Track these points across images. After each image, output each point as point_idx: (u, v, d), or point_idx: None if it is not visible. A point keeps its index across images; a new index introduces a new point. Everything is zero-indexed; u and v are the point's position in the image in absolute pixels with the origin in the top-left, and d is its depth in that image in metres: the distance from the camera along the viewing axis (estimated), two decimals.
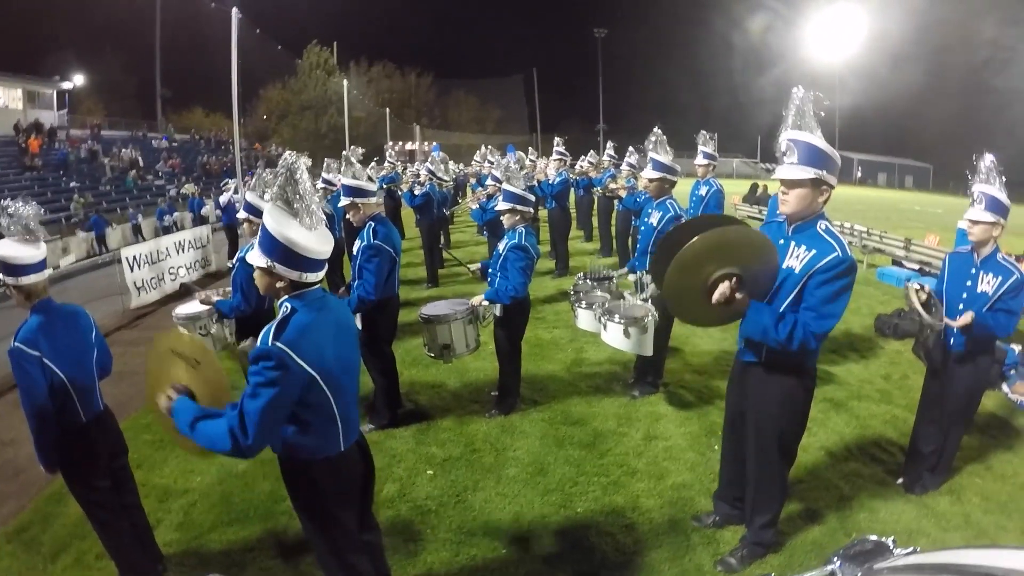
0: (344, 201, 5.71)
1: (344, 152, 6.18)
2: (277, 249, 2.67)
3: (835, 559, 1.65)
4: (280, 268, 2.70)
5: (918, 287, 4.51)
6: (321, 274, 2.84)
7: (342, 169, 5.82)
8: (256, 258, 2.73)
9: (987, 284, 4.36)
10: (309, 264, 2.74)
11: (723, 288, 3.23)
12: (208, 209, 25.76)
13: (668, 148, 6.42)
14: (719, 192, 8.22)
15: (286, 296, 2.79)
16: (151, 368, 3.18)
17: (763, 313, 3.36)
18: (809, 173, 3.33)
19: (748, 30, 66.54)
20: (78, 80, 50.86)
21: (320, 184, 11.39)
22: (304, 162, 2.89)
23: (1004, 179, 4.35)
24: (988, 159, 4.39)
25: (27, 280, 3.49)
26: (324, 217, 2.87)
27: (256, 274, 2.82)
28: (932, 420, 4.81)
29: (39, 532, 4.62)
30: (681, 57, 78.81)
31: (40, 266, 3.55)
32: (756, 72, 62.42)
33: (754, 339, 3.51)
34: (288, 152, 2.87)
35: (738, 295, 3.26)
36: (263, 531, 4.52)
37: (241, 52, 23.07)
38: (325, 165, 12.46)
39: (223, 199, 16.42)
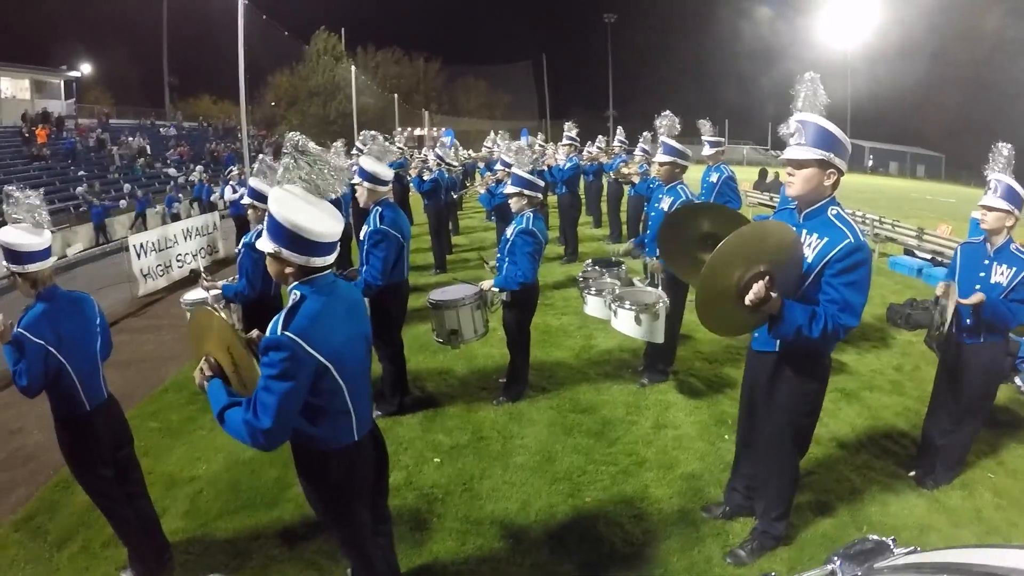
0: (356, 180, 5.65)
1: (372, 132, 6.11)
2: (284, 234, 2.62)
3: (835, 559, 1.65)
4: (287, 253, 2.64)
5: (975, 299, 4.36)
6: (331, 258, 2.77)
7: (367, 148, 5.74)
8: (265, 244, 2.68)
9: (1001, 275, 4.29)
10: (317, 248, 2.67)
11: (757, 288, 3.07)
12: (216, 196, 25.80)
13: (676, 129, 6.38)
14: (730, 178, 8.16)
15: (295, 282, 2.73)
16: (191, 332, 3.18)
17: (795, 311, 3.24)
18: (816, 154, 3.26)
19: (759, 18, 66.13)
20: (85, 69, 51.20)
21: (344, 160, 11.31)
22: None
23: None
24: (1007, 148, 4.31)
25: (33, 268, 3.48)
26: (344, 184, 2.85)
27: (267, 261, 2.77)
28: (945, 412, 4.75)
29: (46, 520, 4.61)
30: (691, 43, 78.62)
31: (45, 254, 3.53)
32: (766, 59, 61.99)
33: (788, 338, 3.39)
34: (291, 133, 2.82)
35: (773, 294, 3.12)
36: (269, 519, 4.50)
37: (248, 39, 23.07)
38: (333, 149, 12.39)
39: (227, 192, 16.36)
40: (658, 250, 3.81)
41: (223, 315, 2.95)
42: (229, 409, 2.66)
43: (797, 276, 3.34)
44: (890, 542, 1.65)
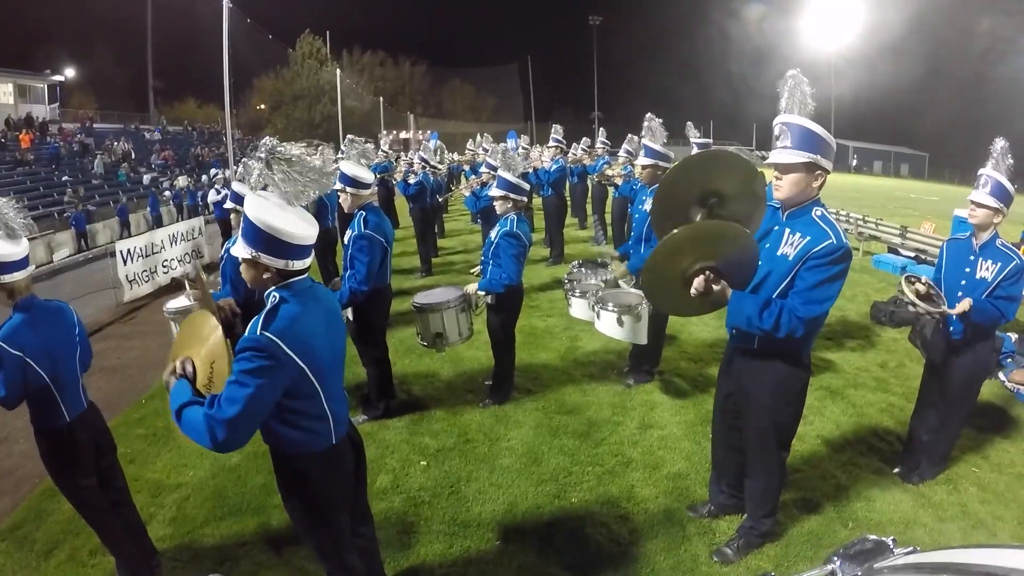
0: (338, 186, 5.64)
1: (350, 136, 6.10)
2: (261, 238, 2.61)
3: (835, 558, 1.65)
4: (265, 258, 2.63)
5: (914, 279, 4.46)
6: (308, 261, 2.77)
7: (348, 153, 5.74)
8: (240, 250, 2.66)
9: (986, 270, 4.32)
10: (294, 251, 2.67)
11: (698, 281, 3.17)
12: (201, 199, 25.71)
13: (663, 132, 6.38)
14: None
15: (274, 287, 2.72)
16: (184, 327, 3.13)
17: (745, 302, 3.30)
18: (803, 157, 3.25)
19: (744, 18, 66.42)
20: (69, 73, 50.78)
21: (321, 158, 11.26)
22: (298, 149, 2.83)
23: (1011, 164, 4.31)
24: (1000, 144, 4.33)
25: (8, 278, 3.40)
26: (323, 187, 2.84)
27: (242, 268, 2.75)
28: (931, 409, 4.78)
29: (32, 530, 4.58)
30: (677, 45, 78.99)
31: (22, 263, 3.45)
32: (752, 61, 62.27)
33: (740, 328, 3.46)
34: (266, 139, 2.80)
35: (715, 287, 3.20)
36: (256, 525, 4.48)
37: (233, 42, 22.98)
38: (319, 151, 12.38)
39: (212, 196, 16.28)
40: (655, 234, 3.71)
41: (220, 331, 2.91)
42: (188, 407, 2.60)
43: (750, 274, 3.37)
44: (890, 542, 1.65)
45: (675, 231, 3.09)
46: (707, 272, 3.18)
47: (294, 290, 2.72)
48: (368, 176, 5.68)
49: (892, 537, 1.67)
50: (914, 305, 4.41)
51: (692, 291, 3.20)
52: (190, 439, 2.61)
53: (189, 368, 2.81)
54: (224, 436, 2.48)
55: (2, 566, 4.23)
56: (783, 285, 3.36)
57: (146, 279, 12.04)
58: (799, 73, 3.36)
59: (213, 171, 17.24)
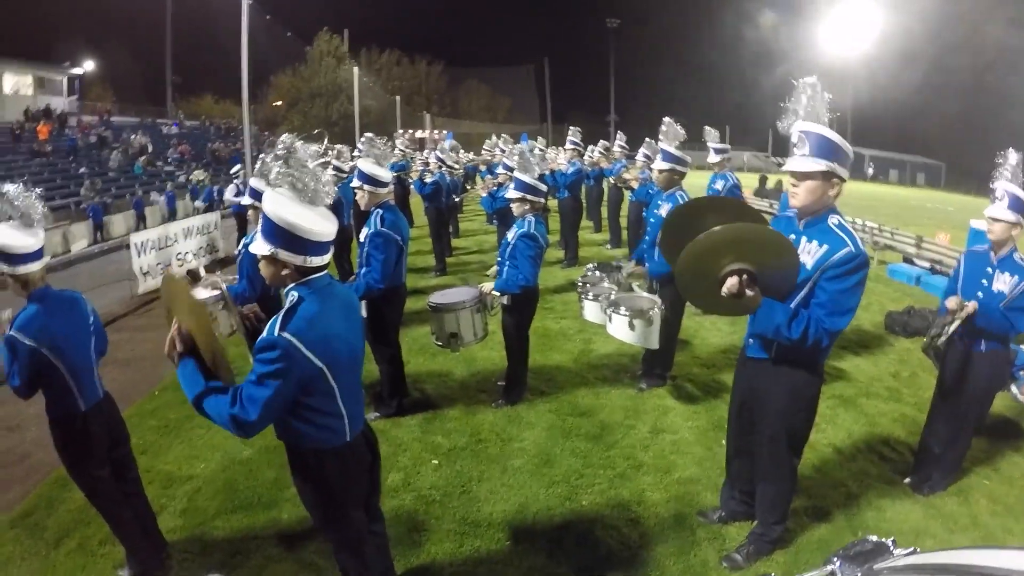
0: (355, 183, 5.66)
1: (369, 135, 6.13)
2: (279, 234, 2.63)
3: (835, 559, 1.65)
4: (284, 254, 2.65)
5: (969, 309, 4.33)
6: (327, 257, 2.78)
7: (365, 150, 5.76)
8: (260, 247, 2.68)
9: (1003, 283, 4.30)
10: (313, 247, 2.69)
11: (732, 282, 3.17)
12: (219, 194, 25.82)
13: (681, 134, 6.37)
14: (736, 186, 8.19)
15: (292, 284, 2.74)
16: (165, 297, 3.10)
17: (776, 311, 3.28)
18: (820, 165, 3.25)
19: (760, 24, 66.12)
20: (88, 66, 51.07)
21: (330, 172, 11.28)
22: (314, 149, 2.84)
23: None
24: (1015, 156, 4.30)
25: (24, 269, 3.44)
26: (331, 196, 2.83)
27: (261, 264, 2.77)
28: (944, 422, 4.76)
29: (43, 517, 4.62)
30: (693, 49, 78.73)
31: (38, 255, 3.49)
32: (767, 66, 61.85)
33: (767, 336, 3.45)
34: (285, 135, 2.81)
35: (748, 292, 3.20)
36: (267, 519, 4.51)
37: (251, 39, 23.03)
38: (336, 152, 12.38)
39: (229, 191, 16.33)
40: (661, 253, 3.75)
41: (190, 288, 2.86)
42: (208, 396, 2.61)
43: (786, 287, 3.36)
44: (890, 543, 1.65)
45: (719, 228, 3.11)
46: (743, 275, 3.18)
47: (312, 288, 2.73)
48: (386, 175, 5.70)
49: (892, 538, 1.67)
50: (941, 331, 4.40)
51: (724, 290, 3.20)
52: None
53: (187, 335, 2.72)
54: (246, 433, 2.59)
55: (12, 553, 4.26)
56: (803, 293, 3.35)
57: (160, 271, 12.10)
58: (817, 80, 3.35)
59: (237, 167, 17.16)
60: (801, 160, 3.31)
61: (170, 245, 12.62)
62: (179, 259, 12.79)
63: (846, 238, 3.26)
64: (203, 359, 2.72)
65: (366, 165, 5.59)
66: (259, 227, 2.73)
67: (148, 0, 54.63)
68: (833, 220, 3.36)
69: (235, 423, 2.54)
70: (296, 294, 2.71)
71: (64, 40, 48.54)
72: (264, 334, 2.59)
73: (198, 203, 25.33)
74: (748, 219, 3.45)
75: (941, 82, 52.16)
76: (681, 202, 6.02)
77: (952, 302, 4.41)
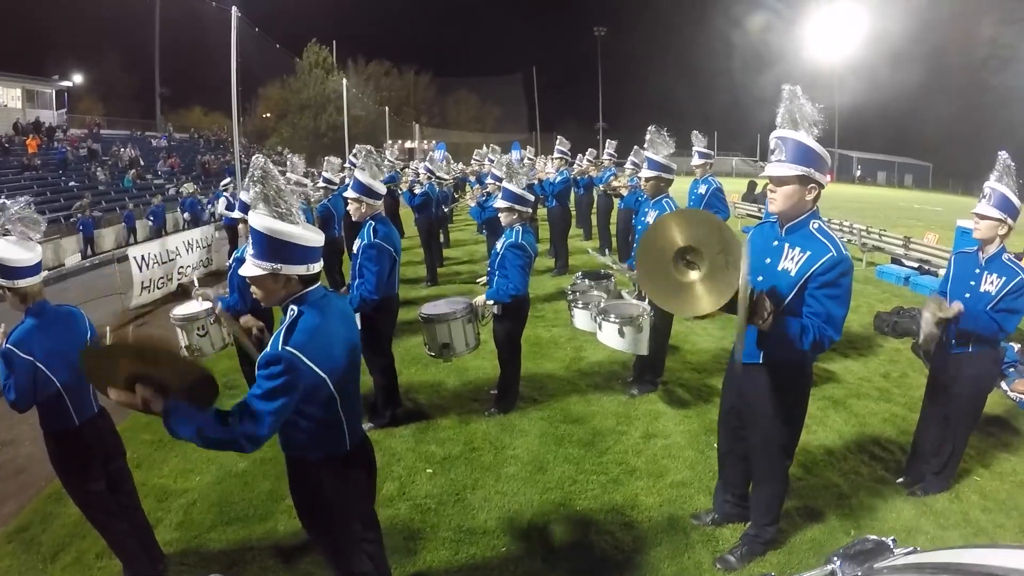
0: (350, 194, 5.69)
1: (368, 147, 6.16)
2: (278, 249, 2.65)
3: (835, 559, 1.66)
4: (287, 268, 2.67)
5: (953, 310, 4.38)
6: (321, 262, 2.83)
7: (360, 162, 5.80)
8: (254, 269, 2.68)
9: (990, 284, 4.33)
10: (311, 253, 2.74)
11: (764, 308, 3.20)
12: (210, 207, 25.74)
13: (669, 141, 6.41)
14: (719, 189, 8.20)
15: (290, 300, 2.76)
16: (96, 379, 2.79)
17: (792, 326, 3.29)
18: (796, 170, 3.32)
19: (747, 29, 66.48)
20: (77, 79, 50.91)
21: (320, 183, 11.28)
22: (294, 162, 2.86)
23: (1016, 178, 4.32)
24: (1004, 156, 4.36)
25: (23, 283, 3.47)
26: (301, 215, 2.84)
27: (257, 285, 2.76)
28: (935, 423, 4.79)
29: (39, 532, 4.62)
30: (680, 56, 79.05)
31: (36, 269, 3.52)
32: (755, 71, 62.25)
33: (781, 356, 3.52)
34: (256, 156, 2.83)
35: (765, 312, 3.21)
36: (263, 531, 4.52)
37: (240, 51, 23.06)
38: (326, 163, 12.38)
39: (220, 205, 16.29)
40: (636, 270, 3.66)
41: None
42: (208, 426, 2.51)
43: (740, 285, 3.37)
44: (890, 542, 1.66)
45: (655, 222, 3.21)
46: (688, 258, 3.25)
47: (310, 301, 2.76)
48: (381, 187, 5.75)
49: (892, 537, 1.68)
50: (925, 324, 4.43)
51: (758, 319, 3.21)
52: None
53: (156, 379, 2.57)
54: (256, 447, 2.59)
55: (8, 568, 4.26)
56: (789, 299, 3.40)
57: (160, 286, 12.09)
58: (797, 88, 3.41)
59: (227, 179, 17.07)
60: (778, 166, 3.38)
61: (172, 259, 12.61)
62: (180, 272, 12.76)
63: (828, 243, 3.32)
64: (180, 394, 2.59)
65: (363, 177, 5.62)
66: (250, 250, 2.72)
67: (136, 13, 54.54)
68: (814, 225, 3.42)
69: (247, 440, 2.53)
70: (295, 308, 2.73)
71: (53, 53, 48.47)
72: (267, 348, 2.62)
73: (186, 215, 25.21)
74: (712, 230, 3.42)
75: (929, 84, 52.59)
76: (668, 210, 6.07)
77: (933, 303, 4.46)
